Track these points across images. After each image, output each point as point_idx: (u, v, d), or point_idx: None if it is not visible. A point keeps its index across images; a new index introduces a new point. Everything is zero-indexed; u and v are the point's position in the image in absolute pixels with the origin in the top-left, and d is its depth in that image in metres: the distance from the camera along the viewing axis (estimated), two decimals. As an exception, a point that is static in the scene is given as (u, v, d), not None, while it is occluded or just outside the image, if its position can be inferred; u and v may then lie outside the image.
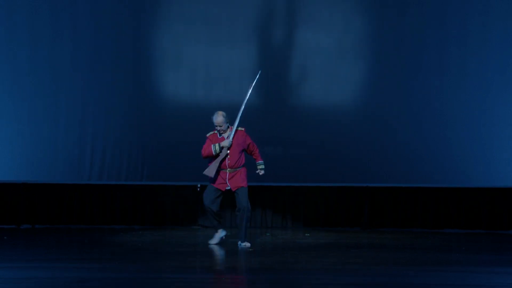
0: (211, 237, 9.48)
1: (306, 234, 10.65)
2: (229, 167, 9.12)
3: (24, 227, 11.32)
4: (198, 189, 8.70)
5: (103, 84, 11.36)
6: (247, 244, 9.17)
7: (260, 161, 9.37)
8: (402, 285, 6.70)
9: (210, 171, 9.14)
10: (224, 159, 9.11)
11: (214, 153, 9.07)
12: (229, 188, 9.17)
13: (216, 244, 9.35)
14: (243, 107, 9.21)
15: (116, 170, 11.35)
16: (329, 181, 11.36)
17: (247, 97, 9.28)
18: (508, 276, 7.36)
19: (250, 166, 9.36)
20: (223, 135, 9.17)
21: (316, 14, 11.33)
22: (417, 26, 11.30)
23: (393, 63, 11.34)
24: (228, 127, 9.18)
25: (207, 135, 9.22)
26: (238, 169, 9.17)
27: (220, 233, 9.44)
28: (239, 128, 9.18)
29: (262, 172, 9.37)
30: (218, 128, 9.12)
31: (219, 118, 9.11)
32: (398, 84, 11.34)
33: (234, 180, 9.15)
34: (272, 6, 11.39)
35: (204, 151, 9.15)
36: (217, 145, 9.07)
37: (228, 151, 9.09)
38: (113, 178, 11.38)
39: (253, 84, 9.35)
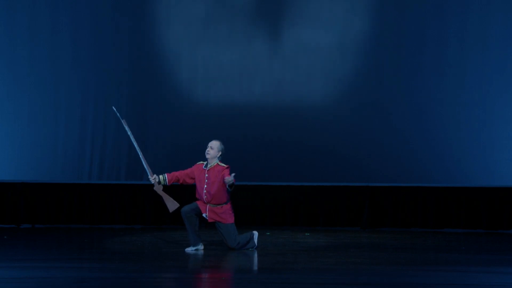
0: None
1: (306, 234, 10.65)
2: (207, 202, 8.56)
3: (24, 227, 11.32)
4: None
5: (102, 84, 11.36)
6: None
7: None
8: (402, 285, 6.70)
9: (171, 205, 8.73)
10: (201, 193, 8.54)
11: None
12: (205, 216, 8.53)
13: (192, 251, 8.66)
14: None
15: (116, 170, 11.35)
16: (329, 181, 11.35)
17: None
18: (508, 276, 7.36)
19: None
20: (208, 166, 8.55)
21: (316, 12, 11.33)
22: (417, 26, 11.29)
23: (393, 62, 11.34)
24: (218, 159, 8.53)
25: (197, 163, 8.69)
26: (219, 205, 8.56)
27: (197, 247, 8.70)
28: (221, 164, 8.51)
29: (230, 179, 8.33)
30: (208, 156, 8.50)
31: (213, 144, 8.56)
32: (398, 83, 11.34)
33: (213, 213, 8.55)
34: (272, 5, 11.38)
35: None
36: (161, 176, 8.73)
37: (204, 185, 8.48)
38: (113, 178, 11.38)
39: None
